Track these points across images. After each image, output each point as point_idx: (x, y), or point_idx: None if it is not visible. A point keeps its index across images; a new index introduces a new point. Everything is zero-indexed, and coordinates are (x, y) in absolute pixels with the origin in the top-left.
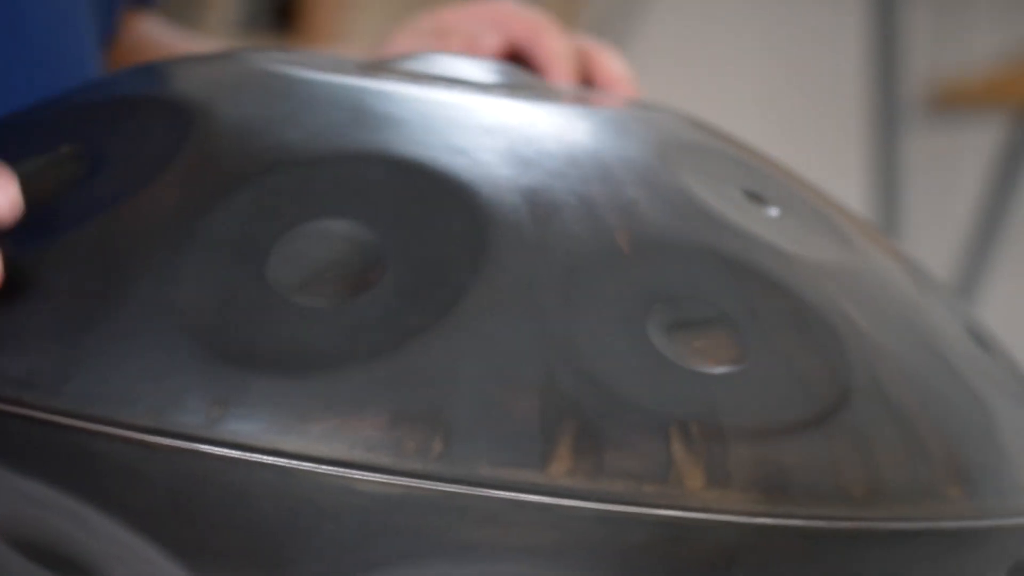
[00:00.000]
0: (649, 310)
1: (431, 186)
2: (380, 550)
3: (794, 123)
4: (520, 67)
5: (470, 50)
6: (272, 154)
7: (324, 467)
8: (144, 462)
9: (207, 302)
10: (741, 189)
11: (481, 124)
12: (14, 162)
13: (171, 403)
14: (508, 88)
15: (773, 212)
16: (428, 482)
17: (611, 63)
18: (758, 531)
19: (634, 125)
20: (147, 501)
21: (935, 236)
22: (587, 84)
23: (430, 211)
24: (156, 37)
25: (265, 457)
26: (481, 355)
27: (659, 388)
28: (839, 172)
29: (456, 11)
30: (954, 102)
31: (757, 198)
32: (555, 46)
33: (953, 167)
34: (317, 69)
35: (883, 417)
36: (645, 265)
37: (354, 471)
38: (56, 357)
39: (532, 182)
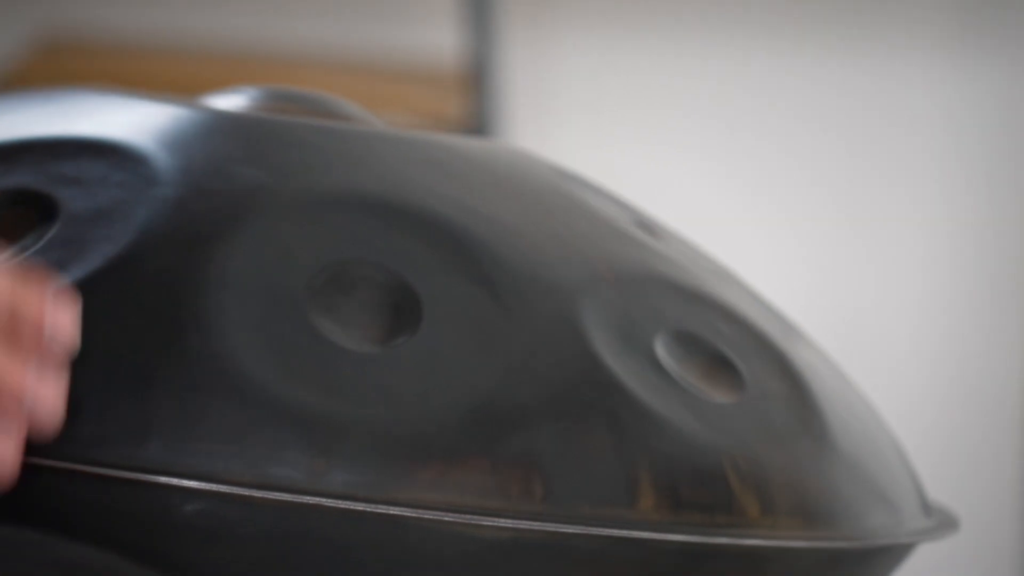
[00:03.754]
0: (663, 342)
1: (440, 231)
2: None
3: None
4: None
5: None
6: (277, 198)
7: (435, 514)
8: (241, 519)
9: (274, 354)
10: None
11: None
12: None
13: (270, 457)
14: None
15: (666, 243)
16: (537, 523)
17: None
18: (805, 553)
19: (509, 155)
20: (241, 560)
21: None
22: None
23: (454, 256)
24: None
25: (376, 507)
26: (552, 398)
27: (699, 420)
28: None
29: None
30: None
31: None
32: None
33: None
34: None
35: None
36: (643, 298)
37: (467, 516)
38: (130, 416)
39: (519, 221)
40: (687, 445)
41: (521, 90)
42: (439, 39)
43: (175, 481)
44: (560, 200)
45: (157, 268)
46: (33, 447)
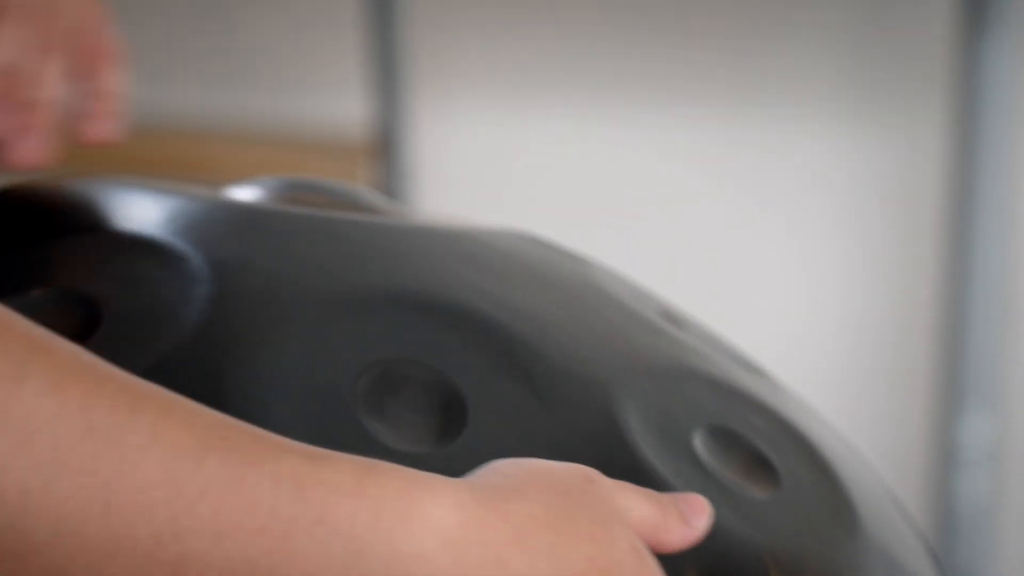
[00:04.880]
0: (700, 438)
1: (481, 328)
2: None
3: None
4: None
5: None
6: (318, 296)
7: None
8: None
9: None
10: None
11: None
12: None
13: None
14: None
15: (694, 335)
16: None
17: None
18: None
19: (529, 244)
20: None
21: None
22: None
23: (496, 353)
24: None
25: None
26: None
27: (739, 516)
28: None
29: None
30: None
31: (671, 319)
32: None
33: None
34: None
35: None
36: (678, 393)
37: None
38: None
39: (555, 315)
40: (729, 541)
41: (428, 159)
42: (346, 109)
43: None
44: (590, 292)
45: (203, 368)
46: None
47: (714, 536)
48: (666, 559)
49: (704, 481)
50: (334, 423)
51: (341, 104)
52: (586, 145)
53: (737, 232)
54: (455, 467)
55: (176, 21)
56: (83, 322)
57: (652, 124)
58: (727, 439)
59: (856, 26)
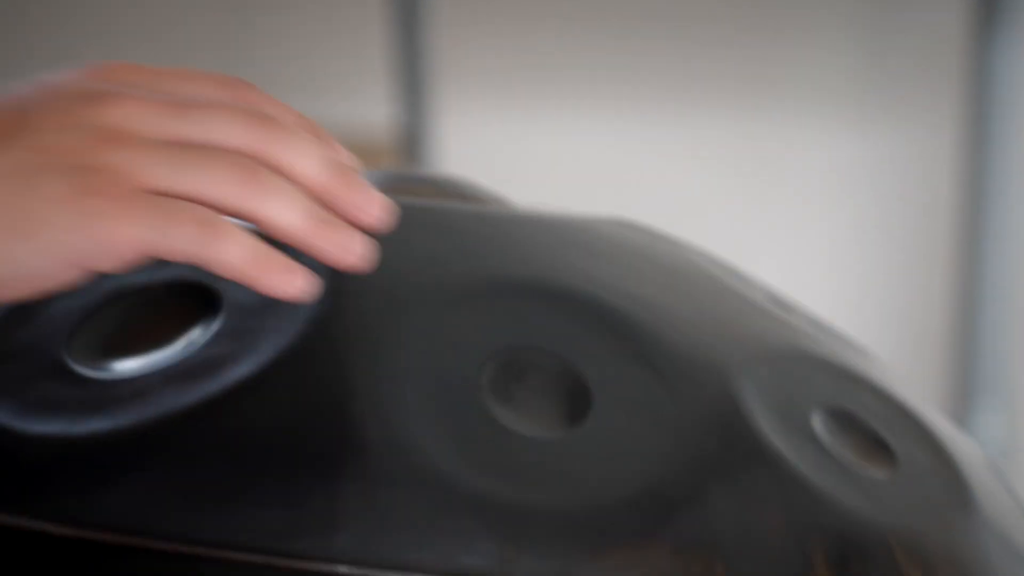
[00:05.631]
0: (819, 420)
1: (601, 315)
2: None
3: None
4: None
5: None
6: (439, 286)
7: None
8: None
9: (454, 443)
10: (764, 296)
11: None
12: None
13: (460, 547)
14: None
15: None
16: None
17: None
18: None
19: (636, 232)
20: None
21: None
22: None
23: (617, 339)
24: None
25: None
26: (724, 478)
27: (862, 497)
28: None
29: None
30: None
31: (781, 305)
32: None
33: None
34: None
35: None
36: (795, 376)
37: None
38: (318, 507)
39: (670, 301)
40: (853, 523)
41: (453, 161)
42: (371, 111)
43: (368, 572)
44: (699, 278)
45: (329, 359)
46: (219, 539)
47: (840, 516)
48: (791, 536)
49: (827, 462)
50: (462, 411)
51: (366, 106)
52: (607, 144)
53: (750, 229)
54: (583, 452)
55: (201, 25)
56: (202, 314)
57: (673, 123)
58: (843, 421)
59: (868, 21)
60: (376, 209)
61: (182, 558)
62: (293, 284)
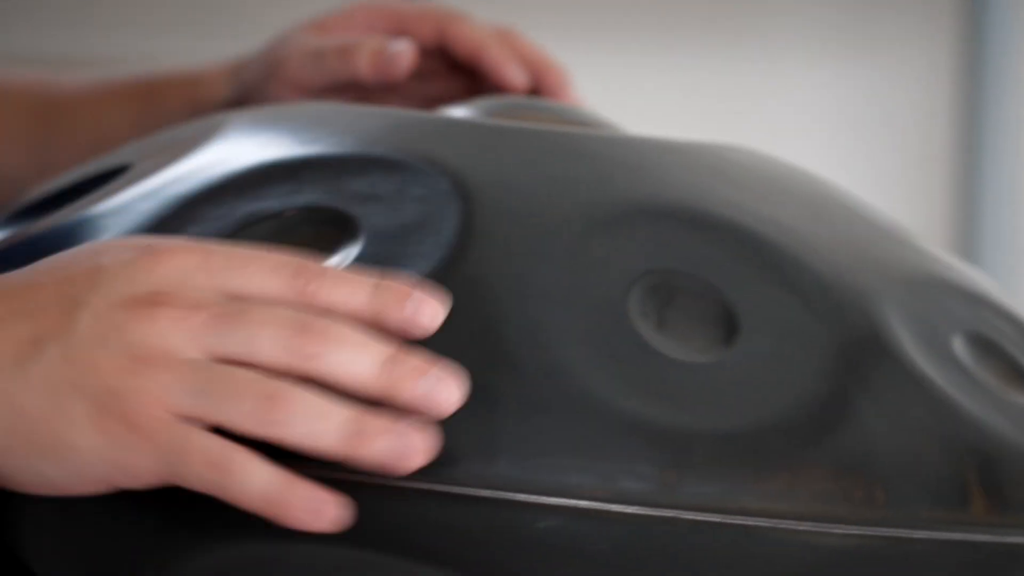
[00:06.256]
0: (959, 345)
1: (742, 239)
2: None
3: None
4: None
5: (377, 61)
6: (579, 210)
7: (788, 523)
8: (593, 535)
9: (609, 366)
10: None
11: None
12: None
13: (621, 471)
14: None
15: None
16: (881, 529)
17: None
18: None
19: (759, 159)
20: (583, 572)
21: None
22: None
23: (760, 263)
24: None
25: (730, 518)
26: (877, 400)
27: (1009, 421)
28: None
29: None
30: None
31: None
32: (475, 35)
33: None
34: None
35: None
36: (933, 301)
37: (818, 524)
38: (476, 433)
39: (807, 227)
40: (1004, 445)
41: None
42: None
43: (529, 498)
44: (830, 203)
45: (476, 283)
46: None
47: (991, 440)
48: (946, 460)
49: (971, 387)
50: (613, 336)
51: None
52: (587, 80)
53: None
54: (736, 375)
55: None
56: (340, 240)
57: (656, 58)
58: (982, 346)
59: None
60: (427, 318)
61: (339, 485)
62: (320, 517)
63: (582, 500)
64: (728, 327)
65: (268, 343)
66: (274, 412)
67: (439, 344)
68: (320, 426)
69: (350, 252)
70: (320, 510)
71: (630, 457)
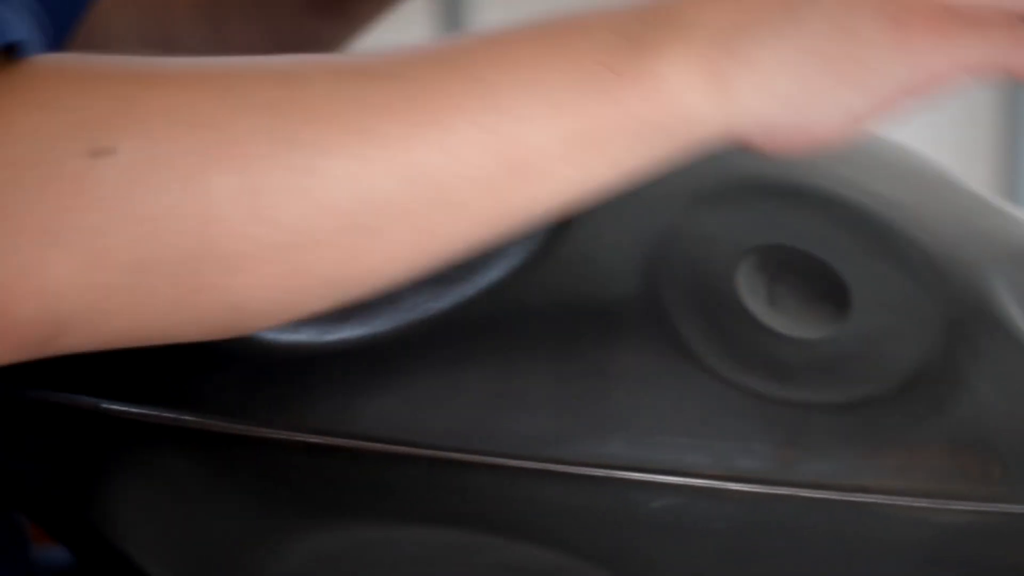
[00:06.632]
0: None
1: (851, 214)
2: None
3: None
4: None
5: None
6: (688, 185)
7: (905, 499)
8: (707, 513)
9: (721, 343)
10: None
11: None
12: None
13: (737, 449)
14: None
15: None
16: (998, 505)
17: None
18: None
19: None
20: (701, 555)
21: None
22: None
23: (868, 238)
24: None
25: (847, 495)
26: (990, 375)
27: None
28: None
29: None
30: None
31: None
32: None
33: None
34: None
35: None
36: None
37: (934, 501)
38: (590, 412)
39: (912, 201)
40: None
41: None
42: None
43: (645, 477)
44: (932, 177)
45: (584, 260)
46: (489, 446)
47: None
48: None
49: None
50: (725, 312)
51: None
52: None
53: None
54: (849, 351)
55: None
56: None
57: None
58: None
59: None
60: None
61: (451, 465)
62: None
63: (698, 479)
64: (838, 302)
65: None
66: None
67: (551, 320)
68: None
69: None
70: None
71: (746, 435)
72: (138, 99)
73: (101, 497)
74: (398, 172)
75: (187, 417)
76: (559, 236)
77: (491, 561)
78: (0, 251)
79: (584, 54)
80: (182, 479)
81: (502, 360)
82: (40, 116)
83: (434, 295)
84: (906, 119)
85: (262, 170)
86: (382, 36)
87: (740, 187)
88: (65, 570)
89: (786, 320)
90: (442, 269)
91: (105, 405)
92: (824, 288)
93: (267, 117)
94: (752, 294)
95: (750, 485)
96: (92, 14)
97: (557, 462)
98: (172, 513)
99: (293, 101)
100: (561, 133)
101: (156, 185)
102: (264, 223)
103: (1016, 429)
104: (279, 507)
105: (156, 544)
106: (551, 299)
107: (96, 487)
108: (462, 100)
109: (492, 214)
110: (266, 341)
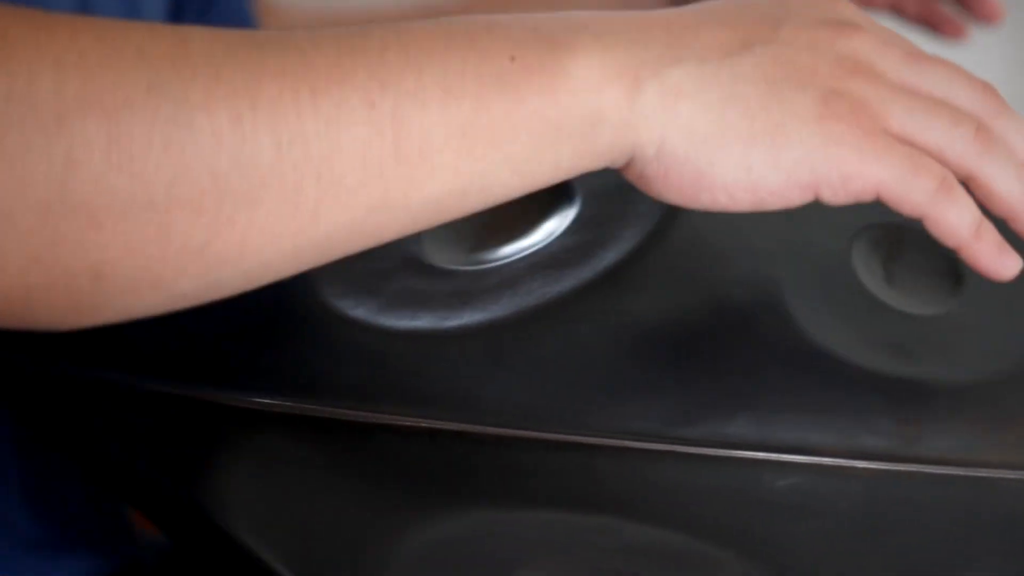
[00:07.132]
0: None
1: None
2: None
3: None
4: None
5: None
6: None
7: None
8: (832, 491)
9: (840, 321)
10: None
11: None
12: None
13: (861, 426)
14: None
15: None
16: None
17: None
18: None
19: None
20: (824, 533)
21: None
22: None
23: None
24: None
25: (970, 470)
26: None
27: None
28: None
29: None
30: None
31: None
32: None
33: None
34: None
35: None
36: None
37: None
38: (712, 392)
39: None
40: None
41: None
42: None
43: (770, 456)
44: None
45: (700, 241)
46: (614, 428)
47: None
48: None
49: None
50: (840, 290)
51: None
52: None
53: None
54: (963, 327)
55: None
56: (557, 202)
57: None
58: None
59: None
60: None
61: (575, 448)
62: (1006, 265)
63: (823, 457)
64: (954, 278)
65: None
66: (980, 145)
67: (670, 304)
68: (1013, 172)
69: (568, 213)
70: (1006, 260)
71: (869, 412)
72: (8, 34)
73: (217, 487)
74: (276, 138)
75: (308, 405)
76: (673, 219)
77: (616, 544)
78: None
79: (495, 46)
80: (301, 466)
81: (622, 343)
82: None
83: (551, 280)
84: None
85: (127, 118)
86: None
87: None
88: (167, 555)
89: (903, 297)
90: (557, 253)
91: (226, 397)
92: (939, 265)
93: (141, 68)
94: (868, 272)
95: (874, 462)
96: None
97: (682, 443)
98: (291, 500)
99: (171, 56)
100: (453, 121)
101: (14, 123)
102: (126, 175)
103: None
104: (400, 493)
105: (275, 531)
106: (667, 281)
107: (212, 477)
108: (353, 74)
109: (375, 196)
110: (386, 328)
